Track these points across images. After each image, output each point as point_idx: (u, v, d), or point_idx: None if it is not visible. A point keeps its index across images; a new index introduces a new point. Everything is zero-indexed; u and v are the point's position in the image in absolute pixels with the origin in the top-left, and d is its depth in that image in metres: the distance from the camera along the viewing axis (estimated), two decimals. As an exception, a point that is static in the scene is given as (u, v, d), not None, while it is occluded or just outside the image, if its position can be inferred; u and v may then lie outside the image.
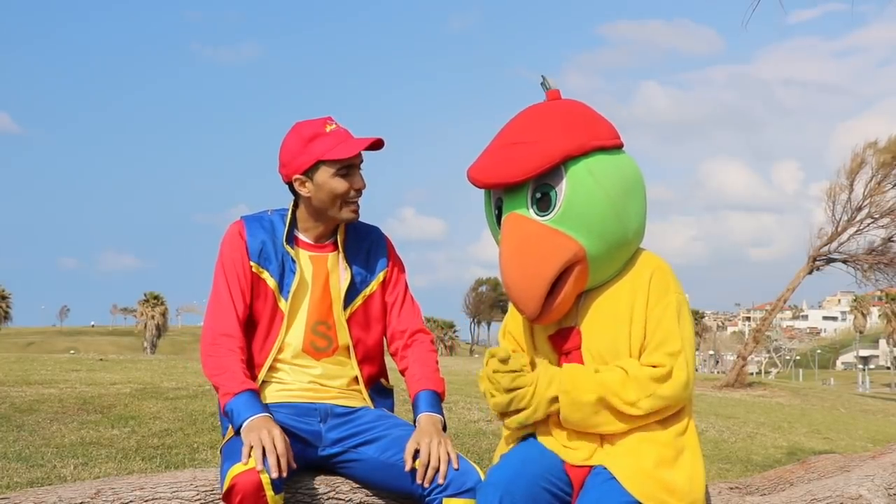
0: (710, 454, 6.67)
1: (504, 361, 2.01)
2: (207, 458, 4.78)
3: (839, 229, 21.84)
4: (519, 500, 1.89)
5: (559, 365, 2.04)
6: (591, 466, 1.97)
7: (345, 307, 2.24)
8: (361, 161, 2.21)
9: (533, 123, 2.00)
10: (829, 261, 22.02)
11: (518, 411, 2.01)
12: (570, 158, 1.93)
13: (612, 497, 1.87)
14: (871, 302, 73.32)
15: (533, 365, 2.06)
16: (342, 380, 2.25)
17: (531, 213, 1.96)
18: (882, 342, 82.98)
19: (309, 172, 2.17)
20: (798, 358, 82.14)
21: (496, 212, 2.06)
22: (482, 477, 2.03)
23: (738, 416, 11.01)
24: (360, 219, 2.28)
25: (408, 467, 2.02)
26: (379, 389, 2.33)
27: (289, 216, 2.25)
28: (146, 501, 2.01)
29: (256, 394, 2.08)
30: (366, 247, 2.31)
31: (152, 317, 56.44)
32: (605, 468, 1.93)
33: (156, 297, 57.43)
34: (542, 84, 2.11)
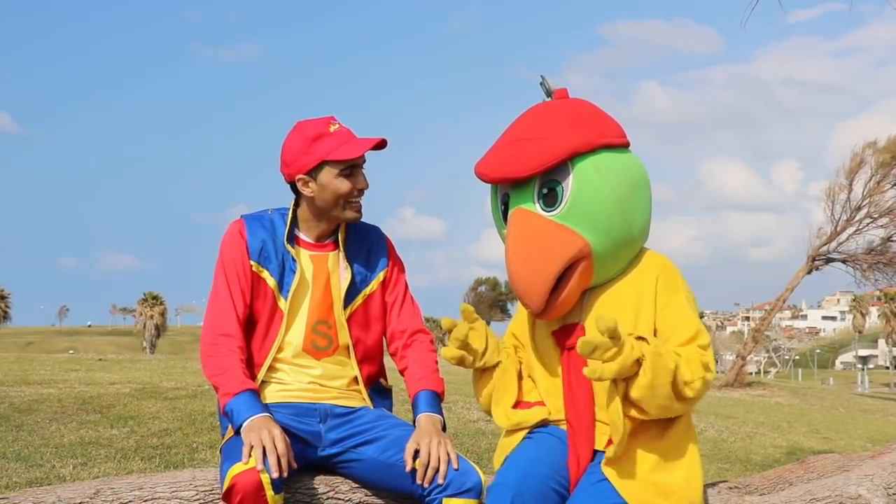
0: (709, 454, 6.67)
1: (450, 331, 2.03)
2: (207, 457, 4.78)
3: (838, 229, 21.88)
4: (529, 500, 1.89)
5: (561, 362, 2.04)
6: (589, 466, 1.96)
7: (345, 306, 2.24)
8: (364, 161, 2.22)
9: (540, 121, 2.01)
10: (829, 260, 22.06)
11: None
12: (577, 155, 1.94)
13: (603, 499, 1.87)
14: (870, 302, 73.30)
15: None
16: (342, 380, 2.25)
17: (537, 208, 1.97)
18: (881, 342, 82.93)
19: (312, 172, 2.17)
20: (797, 358, 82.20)
21: (502, 207, 2.06)
22: (482, 477, 2.03)
23: (738, 415, 11.02)
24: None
25: (408, 468, 2.02)
26: (378, 389, 2.33)
27: (290, 215, 2.25)
28: (145, 501, 2.01)
29: (256, 394, 2.08)
30: (366, 246, 2.31)
31: (151, 317, 56.38)
32: (600, 469, 1.93)
33: (155, 297, 57.38)
34: (541, 84, 2.11)
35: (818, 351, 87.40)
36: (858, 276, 22.02)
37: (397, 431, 2.14)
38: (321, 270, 2.24)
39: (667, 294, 1.98)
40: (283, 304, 2.20)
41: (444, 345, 2.11)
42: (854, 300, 75.48)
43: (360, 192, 2.21)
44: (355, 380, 2.26)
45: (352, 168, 2.18)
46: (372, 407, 2.26)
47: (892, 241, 21.71)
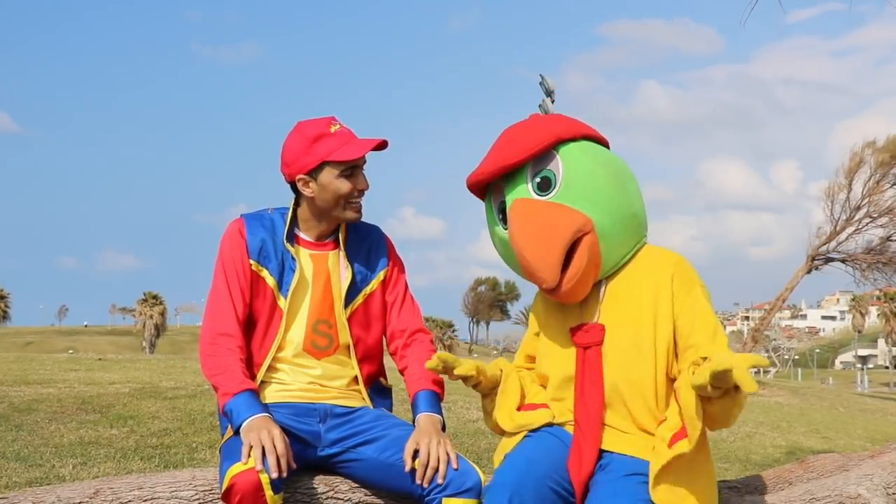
0: (708, 453, 6.66)
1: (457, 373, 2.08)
2: (206, 457, 4.78)
3: (838, 229, 21.88)
4: (528, 500, 1.89)
5: (576, 361, 2.04)
6: (594, 469, 1.96)
7: (345, 306, 2.24)
8: (365, 162, 2.22)
9: (522, 125, 2.11)
10: (828, 260, 22.05)
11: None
12: (562, 141, 2.03)
13: (631, 494, 1.86)
14: (870, 301, 73.38)
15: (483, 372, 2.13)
16: (342, 380, 2.25)
17: (533, 195, 2.02)
18: (881, 341, 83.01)
19: (313, 173, 2.17)
20: (797, 357, 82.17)
21: (500, 216, 2.09)
22: (482, 477, 2.03)
23: (737, 415, 11.00)
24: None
25: (407, 467, 2.02)
26: (378, 389, 2.33)
27: (289, 215, 2.25)
28: (145, 501, 2.01)
29: (256, 394, 2.08)
30: (366, 246, 2.31)
31: (151, 316, 56.38)
32: (621, 466, 1.91)
33: (155, 297, 57.38)
34: (540, 84, 2.15)
35: (818, 351, 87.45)
36: (858, 275, 22.03)
37: (397, 431, 2.14)
38: (321, 270, 2.24)
39: (684, 290, 1.99)
40: (282, 303, 2.20)
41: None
42: (853, 300, 75.54)
43: (361, 192, 2.21)
44: (355, 379, 2.26)
45: (352, 169, 2.18)
46: (371, 407, 2.26)
47: (891, 240, 21.71)
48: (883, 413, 16.53)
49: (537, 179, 2.02)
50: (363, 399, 2.26)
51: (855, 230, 21.88)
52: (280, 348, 2.21)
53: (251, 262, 2.20)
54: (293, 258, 2.22)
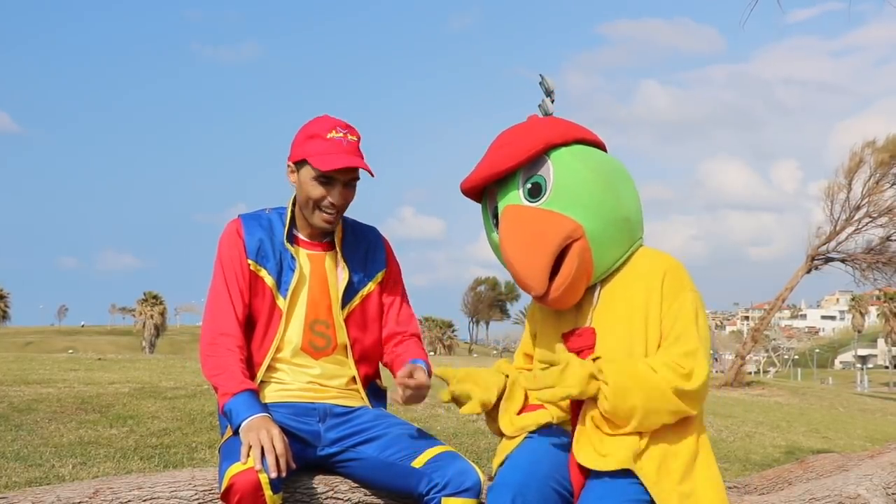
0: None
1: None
2: (206, 457, 4.78)
3: (838, 228, 21.89)
4: (531, 499, 1.89)
5: None
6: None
7: (342, 307, 2.24)
8: (353, 178, 2.19)
9: (515, 129, 2.11)
10: (828, 260, 22.07)
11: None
12: (553, 146, 2.03)
13: (620, 494, 1.86)
14: (870, 301, 73.38)
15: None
16: (341, 379, 2.25)
17: (524, 201, 2.03)
18: (880, 341, 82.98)
19: (297, 165, 2.20)
20: (796, 357, 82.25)
21: (494, 221, 2.10)
22: (481, 477, 2.03)
23: (737, 415, 11.02)
24: (359, 219, 2.31)
25: (399, 384, 2.08)
26: (374, 390, 2.33)
27: (288, 214, 2.25)
28: (144, 501, 2.00)
29: (255, 394, 2.08)
30: (363, 247, 2.31)
31: (151, 316, 56.42)
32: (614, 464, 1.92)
33: (154, 297, 57.41)
34: (540, 83, 2.15)
35: (817, 350, 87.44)
36: (857, 275, 22.05)
37: (397, 430, 2.14)
38: (318, 269, 2.24)
39: (672, 294, 1.99)
40: (281, 302, 2.20)
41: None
42: (853, 300, 75.57)
43: (332, 205, 2.19)
44: (353, 379, 2.27)
45: (329, 179, 2.17)
46: (370, 407, 2.26)
47: (891, 240, 21.73)
48: (883, 413, 16.54)
49: (528, 185, 2.03)
50: (362, 399, 2.26)
51: (855, 230, 21.90)
52: (279, 348, 2.21)
53: (249, 261, 2.20)
54: (293, 257, 2.22)
